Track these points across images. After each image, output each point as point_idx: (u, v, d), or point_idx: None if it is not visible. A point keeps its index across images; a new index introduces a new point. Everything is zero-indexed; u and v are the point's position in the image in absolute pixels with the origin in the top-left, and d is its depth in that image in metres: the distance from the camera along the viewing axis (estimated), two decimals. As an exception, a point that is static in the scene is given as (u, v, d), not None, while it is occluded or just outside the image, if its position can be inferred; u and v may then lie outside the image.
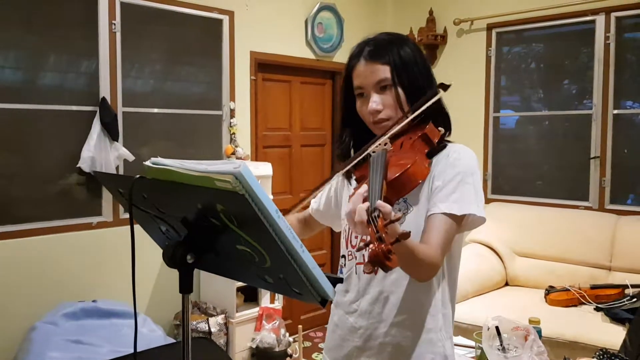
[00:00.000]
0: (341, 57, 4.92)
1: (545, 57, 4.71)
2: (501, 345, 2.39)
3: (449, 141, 1.49)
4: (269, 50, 4.33)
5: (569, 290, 3.77)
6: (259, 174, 3.79)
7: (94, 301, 3.25)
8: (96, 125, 3.35)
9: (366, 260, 1.06)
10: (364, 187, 1.19)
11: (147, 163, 1.23)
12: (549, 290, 3.85)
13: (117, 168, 3.46)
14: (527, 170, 4.79)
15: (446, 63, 5.10)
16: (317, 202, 1.74)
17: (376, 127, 1.44)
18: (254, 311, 3.83)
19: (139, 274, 3.47)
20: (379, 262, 1.03)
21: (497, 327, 2.43)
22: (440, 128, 1.43)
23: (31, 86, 3.23)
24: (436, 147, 1.40)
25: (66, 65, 3.36)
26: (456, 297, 1.54)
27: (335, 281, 1.28)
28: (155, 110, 3.73)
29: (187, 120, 3.89)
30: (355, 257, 1.49)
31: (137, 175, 1.27)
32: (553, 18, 4.51)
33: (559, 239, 4.21)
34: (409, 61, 1.40)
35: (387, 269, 1.03)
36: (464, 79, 4.96)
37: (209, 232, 1.24)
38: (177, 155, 3.85)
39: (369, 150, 1.37)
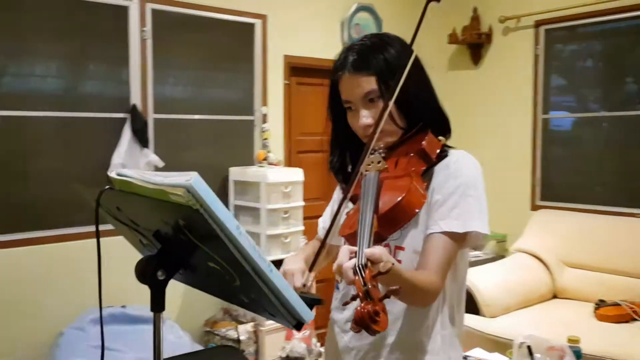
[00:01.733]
0: (380, 59, 4.79)
1: (602, 54, 4.43)
2: (533, 365, 2.23)
3: (449, 147, 1.36)
4: (303, 54, 4.26)
5: (620, 305, 3.51)
6: (289, 180, 3.71)
7: (123, 306, 3.26)
8: (127, 132, 3.38)
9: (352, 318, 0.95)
10: (346, 248, 1.06)
11: (112, 174, 1.17)
12: (599, 304, 3.60)
13: (147, 174, 3.47)
14: (581, 175, 4.51)
15: (491, 63, 4.89)
16: (323, 220, 1.63)
17: (369, 141, 1.31)
18: (285, 320, 3.75)
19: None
20: (364, 325, 0.92)
21: (529, 347, 2.27)
22: (440, 137, 1.31)
23: (66, 94, 3.28)
24: (435, 162, 1.28)
25: (98, 73, 3.40)
26: (463, 317, 1.43)
27: (312, 302, 1.18)
28: (186, 116, 3.73)
29: (218, 126, 3.88)
30: None
31: (107, 187, 1.22)
32: (608, 12, 4.23)
33: (612, 249, 3.93)
34: (396, 66, 1.25)
35: (373, 333, 0.92)
36: (510, 79, 4.75)
37: (181, 248, 1.17)
38: (209, 162, 3.84)
39: (362, 169, 1.26)
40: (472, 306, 3.73)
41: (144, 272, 1.18)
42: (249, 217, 3.78)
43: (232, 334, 3.56)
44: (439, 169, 1.29)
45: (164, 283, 1.20)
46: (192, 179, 0.93)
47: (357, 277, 0.98)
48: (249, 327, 3.60)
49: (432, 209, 1.26)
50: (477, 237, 1.26)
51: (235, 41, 3.94)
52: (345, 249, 1.06)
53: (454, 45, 5.03)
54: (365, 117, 1.29)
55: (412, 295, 1.18)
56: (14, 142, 3.12)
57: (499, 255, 4.56)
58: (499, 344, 3.21)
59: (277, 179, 3.63)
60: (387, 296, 0.94)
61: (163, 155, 3.53)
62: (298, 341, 3.68)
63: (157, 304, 1.21)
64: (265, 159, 3.93)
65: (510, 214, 4.63)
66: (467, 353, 2.51)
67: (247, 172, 3.78)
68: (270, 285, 1.02)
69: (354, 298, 0.96)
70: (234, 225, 0.97)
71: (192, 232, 1.06)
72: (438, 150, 1.28)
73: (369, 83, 1.27)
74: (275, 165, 3.95)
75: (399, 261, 1.29)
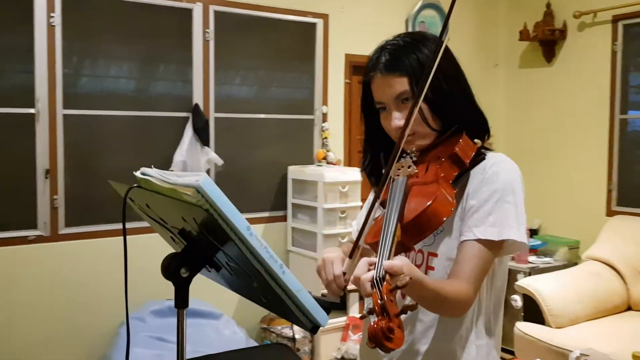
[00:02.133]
0: (446, 57, 4.68)
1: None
2: (590, 381, 2.11)
3: (487, 149, 1.29)
4: (365, 53, 4.20)
5: (701, 320, 3.24)
6: (347, 180, 3.69)
7: (182, 300, 3.36)
8: (188, 131, 3.47)
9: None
10: (365, 260, 1.04)
11: (137, 173, 1.20)
12: (677, 318, 3.34)
13: (207, 172, 3.56)
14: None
15: (565, 60, 4.65)
16: (357, 223, 1.56)
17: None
18: (340, 320, 3.74)
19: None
20: (376, 342, 0.89)
21: (585, 362, 2.15)
22: (476, 140, 1.24)
23: (135, 94, 3.44)
24: (469, 167, 1.22)
25: (164, 74, 3.52)
26: (500, 327, 1.37)
27: (330, 306, 1.16)
28: (246, 115, 3.79)
29: (278, 125, 3.92)
30: None
31: (135, 185, 1.25)
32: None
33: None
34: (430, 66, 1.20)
35: (386, 351, 0.89)
36: (586, 77, 4.49)
37: (204, 246, 1.18)
38: (268, 160, 3.88)
39: (391, 173, 1.23)
40: (537, 315, 3.57)
41: (168, 269, 1.20)
42: (306, 216, 3.79)
43: (288, 332, 3.58)
44: (475, 174, 1.23)
45: (188, 280, 1.21)
46: (201, 179, 0.94)
47: (374, 290, 0.95)
48: (304, 325, 3.61)
49: (466, 215, 1.21)
50: (515, 246, 1.20)
51: (296, 41, 3.96)
52: (364, 261, 1.04)
53: (525, 42, 4.83)
54: (398, 119, 1.25)
55: (440, 305, 1.15)
56: (88, 139, 3.29)
57: (571, 263, 4.33)
58: (564, 357, 3.06)
59: (334, 178, 3.62)
60: (403, 312, 0.91)
61: (223, 153, 3.61)
62: (354, 343, 3.66)
63: (181, 300, 1.23)
64: (324, 158, 3.93)
65: (584, 219, 4.40)
66: (526, 364, 2.40)
67: (305, 170, 3.79)
68: (283, 287, 1.01)
69: (370, 312, 0.93)
70: (244, 226, 0.97)
71: (207, 231, 1.07)
72: (473, 154, 1.22)
73: (401, 84, 1.23)
74: (334, 164, 3.94)
75: (432, 268, 1.25)
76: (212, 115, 3.62)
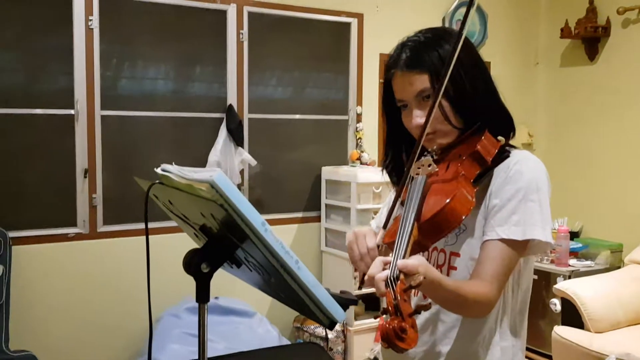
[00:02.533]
0: (484, 54, 4.55)
1: None
2: (627, 388, 2.04)
3: (512, 147, 1.26)
4: (400, 52, 4.19)
5: None
6: (380, 181, 3.64)
7: (216, 298, 3.40)
8: (222, 131, 3.51)
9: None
10: (379, 259, 1.04)
11: (158, 169, 1.22)
12: None
13: (241, 172, 3.59)
14: None
15: (609, 58, 4.51)
16: (376, 221, 1.55)
17: (424, 141, 1.25)
18: (374, 321, 3.72)
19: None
20: (389, 342, 0.90)
21: (622, 367, 2.07)
22: (499, 138, 1.21)
23: (172, 95, 3.50)
24: (491, 165, 1.19)
25: (199, 75, 3.58)
26: (525, 329, 1.33)
27: (347, 302, 1.16)
28: (280, 116, 3.81)
29: (312, 126, 3.92)
30: None
31: (157, 181, 1.27)
32: None
33: None
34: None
35: (399, 351, 0.89)
36: (630, 75, 4.34)
37: (224, 242, 1.19)
38: (302, 160, 3.90)
39: (411, 171, 1.21)
40: (576, 320, 3.47)
41: (189, 264, 1.22)
42: (339, 217, 3.79)
43: (321, 331, 3.59)
44: (499, 172, 1.21)
45: (208, 275, 1.23)
46: (214, 174, 0.95)
47: (388, 290, 0.95)
48: (337, 326, 3.60)
49: (489, 215, 1.19)
50: (538, 246, 1.18)
51: (331, 41, 3.96)
52: (378, 260, 1.04)
53: (567, 39, 4.70)
54: (419, 117, 1.23)
55: (460, 306, 1.14)
56: (125, 139, 3.37)
57: (613, 267, 4.20)
58: (602, 362, 2.97)
59: (367, 179, 3.61)
60: (417, 312, 0.91)
61: (257, 154, 3.64)
62: (386, 343, 3.63)
63: (202, 295, 1.24)
64: (358, 159, 3.92)
65: (628, 221, 4.26)
66: (562, 369, 2.34)
67: (339, 171, 3.78)
68: (299, 282, 1.01)
69: (384, 312, 0.94)
70: (259, 222, 0.98)
71: (225, 227, 1.08)
72: (496, 152, 1.18)
73: (422, 81, 1.21)
74: (368, 165, 3.92)
75: (454, 268, 1.24)
76: (246, 115, 3.66)
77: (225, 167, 3.49)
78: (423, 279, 0.95)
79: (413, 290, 0.99)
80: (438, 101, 1.18)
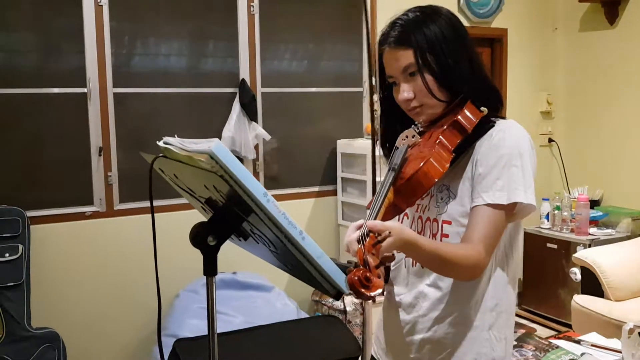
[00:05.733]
0: (501, 21, 4.50)
1: None
2: (646, 355, 2.02)
3: (498, 117, 1.32)
4: (414, 21, 4.11)
5: None
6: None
7: (233, 273, 3.42)
8: (236, 107, 3.50)
9: None
10: (353, 225, 1.14)
11: (160, 143, 1.22)
12: None
13: (256, 147, 3.58)
14: None
15: (630, 22, 4.37)
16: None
17: (412, 115, 1.33)
18: (392, 293, 3.71)
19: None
20: (355, 291, 0.97)
21: (640, 333, 2.05)
22: (482, 108, 1.27)
23: (184, 72, 3.49)
24: (472, 135, 1.26)
25: (211, 50, 3.56)
26: (515, 295, 1.40)
27: (353, 272, 1.15)
28: (294, 89, 3.78)
29: (326, 99, 3.89)
30: None
31: (160, 155, 1.26)
32: None
33: None
34: (436, 40, 1.26)
35: (364, 298, 0.98)
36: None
37: (230, 215, 1.19)
38: (317, 134, 3.87)
39: (397, 142, 1.31)
40: (596, 288, 3.43)
41: (196, 237, 1.22)
42: (355, 190, 3.77)
43: (339, 304, 3.60)
44: (483, 140, 1.27)
45: (215, 248, 1.23)
46: (212, 145, 0.93)
47: (360, 247, 1.04)
48: (355, 298, 3.61)
49: (476, 182, 1.25)
50: (523, 210, 1.25)
51: (343, 12, 3.90)
52: (352, 226, 1.13)
53: (586, 3, 4.57)
54: (406, 92, 1.29)
55: (444, 266, 1.19)
56: (138, 117, 3.38)
57: (635, 234, 4.14)
58: (619, 329, 2.93)
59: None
60: (382, 263, 1.02)
61: (271, 128, 3.62)
62: (404, 315, 3.63)
63: (209, 268, 1.24)
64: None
65: (650, 189, 4.18)
66: (581, 337, 2.32)
67: (354, 144, 3.76)
68: (304, 253, 1.01)
69: (355, 266, 1.01)
70: (260, 192, 0.97)
71: (229, 199, 1.07)
72: (477, 122, 1.25)
73: (407, 57, 1.27)
74: (383, 137, 3.88)
75: (447, 235, 1.29)
76: (259, 90, 3.63)
77: (240, 143, 3.48)
78: (389, 233, 1.04)
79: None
80: (425, 77, 1.27)
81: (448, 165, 1.20)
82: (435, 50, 1.25)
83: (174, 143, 1.11)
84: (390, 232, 1.05)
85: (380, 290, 0.98)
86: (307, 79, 3.83)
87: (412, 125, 1.31)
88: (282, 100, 3.75)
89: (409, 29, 1.28)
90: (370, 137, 3.84)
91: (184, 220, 3.32)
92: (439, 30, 1.26)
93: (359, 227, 1.09)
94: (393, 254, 1.04)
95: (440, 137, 1.23)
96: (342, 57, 3.95)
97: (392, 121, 1.40)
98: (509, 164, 1.22)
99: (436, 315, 1.31)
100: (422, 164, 1.17)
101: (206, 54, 3.55)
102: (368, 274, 0.97)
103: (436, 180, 1.18)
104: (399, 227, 1.09)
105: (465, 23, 4.31)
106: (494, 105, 1.30)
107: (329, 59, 3.91)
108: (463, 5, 4.32)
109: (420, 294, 1.33)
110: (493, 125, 1.28)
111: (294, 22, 3.74)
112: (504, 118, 1.33)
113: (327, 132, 3.89)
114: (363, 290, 0.96)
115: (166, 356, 2.85)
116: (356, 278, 0.96)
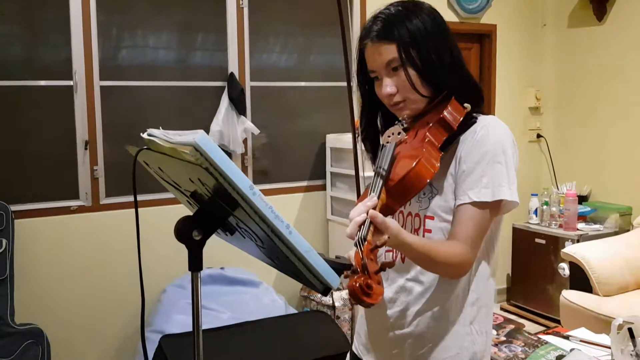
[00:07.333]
0: (490, 17, 4.50)
1: None
2: (634, 350, 2.02)
3: (480, 113, 1.33)
4: (403, 16, 4.09)
5: None
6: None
7: (221, 268, 3.40)
8: (224, 100, 3.47)
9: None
10: (361, 213, 1.09)
11: (144, 135, 1.19)
12: None
13: (244, 141, 3.56)
14: None
15: (618, 18, 4.37)
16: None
17: (394, 110, 1.33)
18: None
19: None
20: (356, 298, 0.95)
21: (630, 329, 2.05)
22: (466, 105, 1.27)
23: (172, 65, 3.45)
24: (457, 131, 1.26)
25: (199, 43, 3.52)
26: (494, 289, 1.41)
27: (341, 267, 1.13)
28: (283, 83, 3.75)
29: (315, 93, 3.87)
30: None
31: (144, 147, 1.24)
32: None
33: None
34: (419, 35, 1.26)
35: (366, 306, 0.95)
36: (639, 35, 4.23)
37: (215, 209, 1.16)
38: (306, 128, 3.85)
39: (382, 139, 1.29)
40: (585, 284, 3.44)
41: (181, 231, 1.20)
42: (344, 185, 3.76)
43: (328, 300, 3.58)
44: (466, 137, 1.28)
45: (201, 243, 1.20)
46: (197, 136, 0.91)
47: (356, 250, 1.01)
48: (344, 293, 3.60)
49: (460, 179, 1.26)
50: (506, 206, 1.26)
51: (332, 5, 3.86)
52: (362, 204, 1.11)
53: (575, -1, 4.58)
54: (389, 86, 1.28)
55: (434, 265, 1.21)
56: (125, 110, 3.34)
57: (622, 230, 4.16)
58: (609, 325, 2.94)
59: (372, 145, 3.56)
60: (382, 269, 0.98)
61: (260, 122, 3.60)
62: (393, 310, 3.63)
63: (195, 263, 1.22)
64: (362, 126, 3.86)
65: (637, 184, 4.20)
66: (570, 333, 2.33)
67: (343, 139, 3.74)
68: (291, 248, 0.99)
69: (354, 272, 0.98)
70: (246, 185, 0.94)
71: (215, 193, 1.05)
72: (461, 118, 1.25)
73: (390, 51, 1.27)
74: (372, 131, 3.87)
75: (429, 231, 1.29)
76: (248, 84, 3.60)
77: (228, 136, 3.45)
78: (387, 237, 1.03)
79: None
80: (408, 71, 1.26)
81: (439, 164, 1.19)
82: (419, 45, 1.25)
83: (158, 135, 1.09)
84: (388, 237, 1.04)
85: (381, 298, 0.95)
86: (297, 73, 3.80)
87: (397, 122, 1.29)
88: (271, 94, 3.72)
89: (392, 24, 1.27)
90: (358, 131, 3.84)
91: (171, 214, 3.30)
92: (422, 25, 1.26)
93: (361, 224, 1.06)
94: (393, 261, 1.02)
95: (428, 134, 1.22)
96: (332, 51, 3.93)
97: (373, 116, 1.40)
98: (493, 160, 1.23)
99: (417, 309, 1.31)
100: (414, 164, 1.15)
101: (194, 47, 3.52)
102: (369, 281, 0.94)
103: (428, 180, 1.17)
104: (397, 229, 1.09)
105: (455, 19, 4.34)
106: (475, 102, 1.30)
107: (318, 52, 3.89)
108: (452, 1, 4.31)
109: (401, 288, 1.33)
110: (475, 121, 1.28)
111: (283, 16, 3.71)
112: (485, 114, 1.33)
113: (316, 126, 3.88)
114: (365, 298, 0.93)
115: (152, 352, 2.82)
116: (357, 285, 0.93)
